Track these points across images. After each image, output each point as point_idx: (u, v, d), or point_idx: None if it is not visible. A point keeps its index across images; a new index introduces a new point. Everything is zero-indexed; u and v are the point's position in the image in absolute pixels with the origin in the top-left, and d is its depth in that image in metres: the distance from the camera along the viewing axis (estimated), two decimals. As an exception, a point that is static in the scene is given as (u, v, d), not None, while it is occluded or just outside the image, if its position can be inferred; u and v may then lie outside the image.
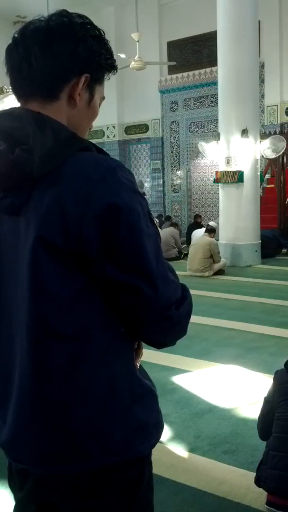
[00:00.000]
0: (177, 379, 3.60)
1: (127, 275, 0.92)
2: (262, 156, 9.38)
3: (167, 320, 0.99)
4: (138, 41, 10.11)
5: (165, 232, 9.82)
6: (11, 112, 0.96)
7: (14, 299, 0.97)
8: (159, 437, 1.07)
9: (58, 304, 0.92)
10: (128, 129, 15.61)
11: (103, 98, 1.06)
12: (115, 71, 1.05)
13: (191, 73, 14.01)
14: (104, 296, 0.95)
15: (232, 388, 3.44)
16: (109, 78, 1.05)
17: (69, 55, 0.96)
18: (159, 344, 1.06)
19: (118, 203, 0.88)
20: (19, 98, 1.02)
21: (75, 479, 0.99)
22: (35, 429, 0.97)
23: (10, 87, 1.02)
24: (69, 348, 0.94)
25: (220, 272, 7.96)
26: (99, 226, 0.88)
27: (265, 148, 9.20)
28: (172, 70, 14.34)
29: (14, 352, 0.98)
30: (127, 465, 1.00)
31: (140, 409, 1.01)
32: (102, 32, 1.00)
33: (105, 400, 0.97)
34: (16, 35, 0.98)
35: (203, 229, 8.81)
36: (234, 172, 8.77)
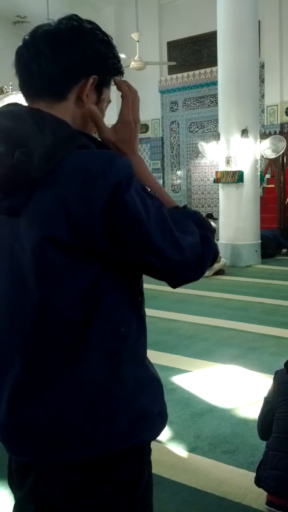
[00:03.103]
0: (177, 379, 3.60)
1: (138, 256, 0.95)
2: (262, 156, 9.38)
3: (194, 271, 1.00)
4: (138, 41, 10.11)
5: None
6: (10, 110, 0.96)
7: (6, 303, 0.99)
8: (163, 426, 1.08)
9: (71, 298, 0.93)
10: (128, 129, 15.60)
11: (109, 101, 1.09)
12: (121, 76, 1.07)
13: (191, 73, 14.00)
14: (115, 284, 0.97)
15: (232, 388, 3.44)
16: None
17: (78, 57, 0.98)
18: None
19: (120, 196, 0.89)
20: (26, 98, 1.04)
21: (76, 474, 0.98)
22: (36, 415, 0.96)
23: (19, 87, 1.04)
24: (75, 333, 0.94)
25: (220, 272, 7.95)
26: (103, 221, 0.89)
27: (265, 148, 9.20)
28: (172, 70, 14.34)
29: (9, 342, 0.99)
30: (129, 454, 1.01)
31: (144, 396, 1.02)
32: (110, 38, 1.04)
33: (108, 386, 0.97)
34: (26, 37, 1.01)
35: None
36: (234, 172, 8.76)
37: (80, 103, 1.01)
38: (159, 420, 1.06)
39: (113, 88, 1.10)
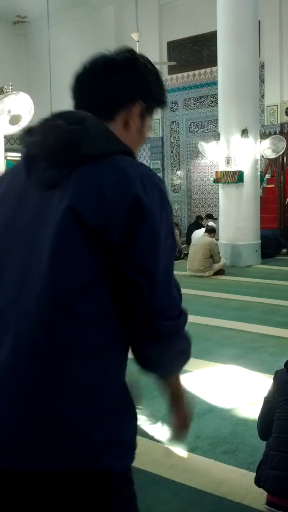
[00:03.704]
0: (177, 379, 3.59)
1: (134, 271, 0.98)
2: (262, 156, 9.38)
3: (155, 327, 1.01)
4: (138, 41, 10.10)
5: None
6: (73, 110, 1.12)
7: (18, 270, 0.99)
8: (133, 458, 1.05)
9: (76, 282, 0.95)
10: (128, 129, 15.61)
11: (150, 127, 1.22)
12: (164, 106, 1.20)
13: (191, 73, 14.01)
14: (112, 290, 1.00)
15: (232, 388, 3.44)
16: (157, 113, 1.21)
17: (129, 85, 1.11)
18: (148, 357, 1.07)
19: (149, 204, 0.97)
20: None
21: (39, 488, 0.96)
22: (9, 415, 0.94)
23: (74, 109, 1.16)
24: (74, 328, 0.95)
25: (220, 272, 7.96)
26: (127, 216, 0.95)
27: (265, 148, 9.21)
28: (172, 70, 14.34)
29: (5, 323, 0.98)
30: (95, 477, 0.97)
31: (120, 421, 1.00)
32: (158, 71, 1.17)
33: (87, 400, 0.96)
34: (86, 65, 1.14)
35: (203, 229, 8.81)
36: (234, 172, 8.77)
37: (127, 127, 1.12)
38: (130, 450, 1.03)
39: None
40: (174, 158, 14.95)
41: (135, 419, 1.06)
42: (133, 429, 1.05)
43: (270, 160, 10.48)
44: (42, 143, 1.02)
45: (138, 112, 1.12)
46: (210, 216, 12.16)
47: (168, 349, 1.06)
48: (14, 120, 4.52)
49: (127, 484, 1.05)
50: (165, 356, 1.07)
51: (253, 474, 2.14)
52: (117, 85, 1.10)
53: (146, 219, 0.96)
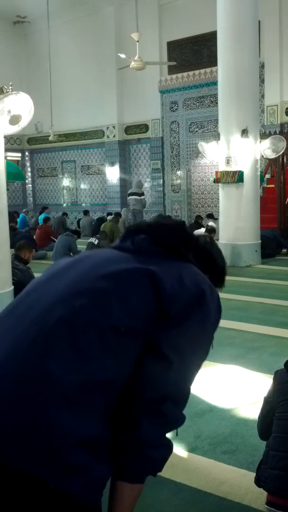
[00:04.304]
0: (177, 379, 3.59)
1: (171, 349, 1.12)
2: (262, 156, 9.37)
3: (163, 407, 1.12)
4: (138, 41, 10.10)
5: (165, 232, 9.80)
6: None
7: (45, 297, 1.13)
8: (99, 494, 1.09)
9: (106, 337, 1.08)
10: (128, 129, 15.61)
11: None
12: (223, 287, 1.44)
13: (191, 73, 14.01)
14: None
15: (232, 388, 3.44)
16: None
17: (206, 265, 1.33)
18: (137, 438, 1.11)
19: (209, 302, 1.20)
20: None
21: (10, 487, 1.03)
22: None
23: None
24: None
25: (220, 272, 7.94)
26: (191, 300, 1.15)
27: (265, 148, 9.20)
28: (172, 70, 14.34)
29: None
30: (51, 497, 1.02)
31: (85, 449, 1.05)
32: (225, 262, 1.43)
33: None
34: None
35: (203, 229, 8.81)
36: (234, 172, 8.76)
37: None
38: (91, 482, 1.05)
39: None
40: (174, 158, 14.95)
41: (107, 460, 1.10)
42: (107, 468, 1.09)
43: (270, 160, 10.48)
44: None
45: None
46: (211, 216, 12.16)
47: (158, 438, 1.13)
48: (14, 120, 4.52)
49: None
50: (152, 443, 1.12)
51: (253, 474, 2.14)
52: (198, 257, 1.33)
53: (202, 310, 1.17)
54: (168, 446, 1.17)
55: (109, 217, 13.16)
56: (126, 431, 1.10)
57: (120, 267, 1.14)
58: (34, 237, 11.30)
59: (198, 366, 1.21)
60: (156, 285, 1.11)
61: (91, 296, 1.09)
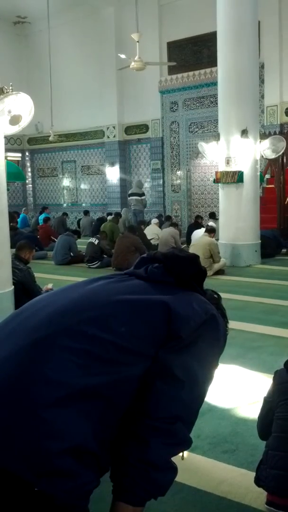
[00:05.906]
0: (177, 379, 3.59)
1: (183, 369, 1.18)
2: (262, 156, 9.37)
3: (174, 426, 1.18)
4: (138, 42, 10.10)
5: (165, 232, 9.82)
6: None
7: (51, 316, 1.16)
8: (85, 501, 1.10)
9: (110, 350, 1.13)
10: (128, 129, 15.61)
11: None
12: (227, 332, 1.48)
13: (191, 73, 14.01)
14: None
15: (232, 388, 3.45)
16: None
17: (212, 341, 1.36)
18: (153, 459, 1.14)
19: (220, 325, 1.31)
20: None
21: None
22: None
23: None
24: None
25: (220, 272, 7.95)
26: (203, 322, 1.23)
27: (265, 148, 9.20)
28: (172, 70, 14.35)
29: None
30: (37, 498, 1.03)
31: (75, 457, 1.06)
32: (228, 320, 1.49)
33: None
34: None
35: (203, 229, 8.81)
36: (234, 172, 8.76)
37: None
38: (76, 489, 1.06)
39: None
40: (174, 158, 14.95)
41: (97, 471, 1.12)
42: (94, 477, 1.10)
43: (270, 160, 10.48)
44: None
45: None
46: (212, 215, 12.14)
47: (166, 460, 1.17)
48: (14, 120, 4.52)
49: None
50: (160, 464, 1.14)
51: (253, 474, 2.14)
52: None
53: (213, 333, 1.27)
54: (175, 469, 1.19)
55: (109, 217, 13.16)
56: (133, 451, 1.12)
57: (133, 297, 1.22)
58: (38, 237, 11.30)
59: (206, 390, 1.28)
60: (169, 313, 1.18)
61: (100, 312, 1.15)
